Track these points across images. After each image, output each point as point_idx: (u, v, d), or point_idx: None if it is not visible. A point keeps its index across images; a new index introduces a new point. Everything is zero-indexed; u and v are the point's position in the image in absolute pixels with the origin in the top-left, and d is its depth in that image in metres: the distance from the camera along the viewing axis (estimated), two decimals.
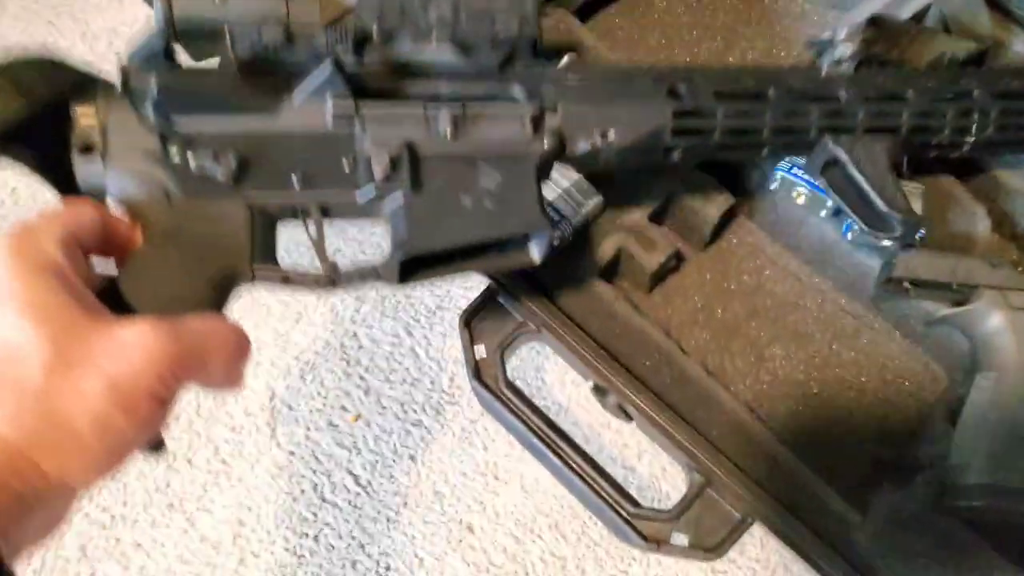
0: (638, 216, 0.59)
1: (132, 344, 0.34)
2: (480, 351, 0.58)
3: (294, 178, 0.45)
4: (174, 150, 0.44)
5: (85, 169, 0.44)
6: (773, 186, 0.61)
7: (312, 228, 0.46)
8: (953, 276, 0.55)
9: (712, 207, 0.58)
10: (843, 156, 0.52)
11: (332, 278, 0.45)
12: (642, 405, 0.53)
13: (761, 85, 0.52)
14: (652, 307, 0.59)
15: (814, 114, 0.52)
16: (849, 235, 0.60)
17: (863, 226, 0.53)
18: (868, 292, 0.59)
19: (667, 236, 0.59)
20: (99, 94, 0.44)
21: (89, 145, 0.44)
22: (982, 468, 0.50)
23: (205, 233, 0.43)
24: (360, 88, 0.47)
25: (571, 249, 0.58)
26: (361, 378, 0.73)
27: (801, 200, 0.60)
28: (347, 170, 0.46)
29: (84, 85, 0.44)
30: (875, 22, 0.56)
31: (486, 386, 0.56)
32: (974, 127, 0.55)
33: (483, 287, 0.58)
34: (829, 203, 0.59)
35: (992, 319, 0.54)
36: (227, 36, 0.44)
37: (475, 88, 0.49)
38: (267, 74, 0.46)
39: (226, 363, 0.38)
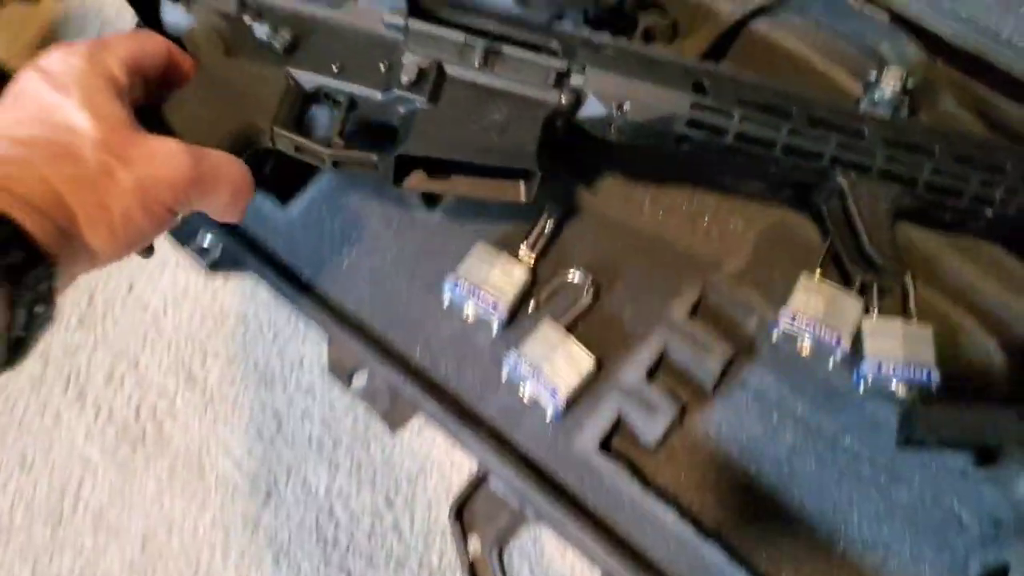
0: (634, 376, 0.54)
1: (162, 157, 0.41)
2: (474, 545, 0.56)
3: (334, 66, 0.51)
4: (247, 16, 0.51)
5: (171, 12, 0.51)
6: (775, 336, 0.54)
7: (336, 112, 0.52)
8: (979, 434, 0.51)
9: (712, 360, 0.54)
10: (846, 189, 0.53)
11: (336, 158, 0.51)
12: None
13: (786, 103, 0.54)
14: (656, 469, 0.55)
15: (831, 144, 0.53)
16: (862, 386, 0.53)
17: (847, 260, 0.53)
18: (883, 439, 0.54)
19: (668, 397, 0.54)
20: None
21: None
22: None
23: (245, 90, 0.50)
24: (418, 5, 0.53)
25: (565, 421, 0.54)
26: (341, 564, 0.63)
27: (806, 351, 0.54)
28: (382, 71, 0.51)
29: None
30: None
31: None
32: (997, 201, 0.54)
33: (471, 463, 0.57)
34: (838, 354, 0.53)
35: None
36: None
37: (519, 34, 0.53)
38: None
39: (232, 196, 0.46)
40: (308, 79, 0.51)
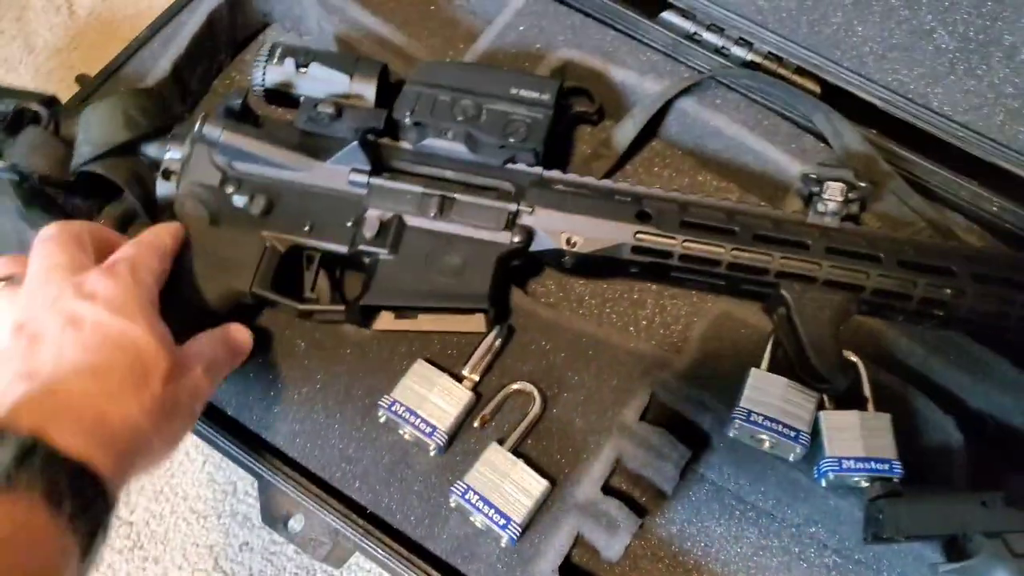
0: (589, 491, 0.54)
1: (198, 364, 0.48)
2: None
3: (305, 227, 0.57)
4: (228, 187, 0.57)
5: (163, 188, 0.58)
6: (732, 433, 0.55)
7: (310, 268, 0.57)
8: (945, 527, 0.52)
9: (669, 465, 0.55)
10: (790, 301, 0.56)
11: (309, 311, 0.56)
12: None
13: (729, 222, 0.57)
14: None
15: (775, 259, 0.56)
16: (824, 482, 0.54)
17: (797, 368, 0.56)
18: (849, 531, 0.55)
19: (626, 511, 0.54)
20: (187, 137, 0.58)
21: (170, 172, 0.58)
22: None
23: (227, 255, 0.56)
24: (380, 162, 0.58)
25: (522, 546, 0.53)
26: None
27: (766, 446, 0.54)
28: (348, 227, 0.57)
29: (172, 124, 0.59)
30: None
31: None
32: (946, 305, 0.56)
33: None
34: (798, 448, 0.53)
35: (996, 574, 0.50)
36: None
37: (474, 178, 0.58)
38: (314, 137, 0.58)
39: (242, 356, 0.53)
40: (282, 240, 0.57)
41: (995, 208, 0.64)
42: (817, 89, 0.67)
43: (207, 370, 0.48)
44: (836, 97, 0.67)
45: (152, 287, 0.48)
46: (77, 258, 0.47)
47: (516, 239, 0.57)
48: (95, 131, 0.56)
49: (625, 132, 0.67)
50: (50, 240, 0.47)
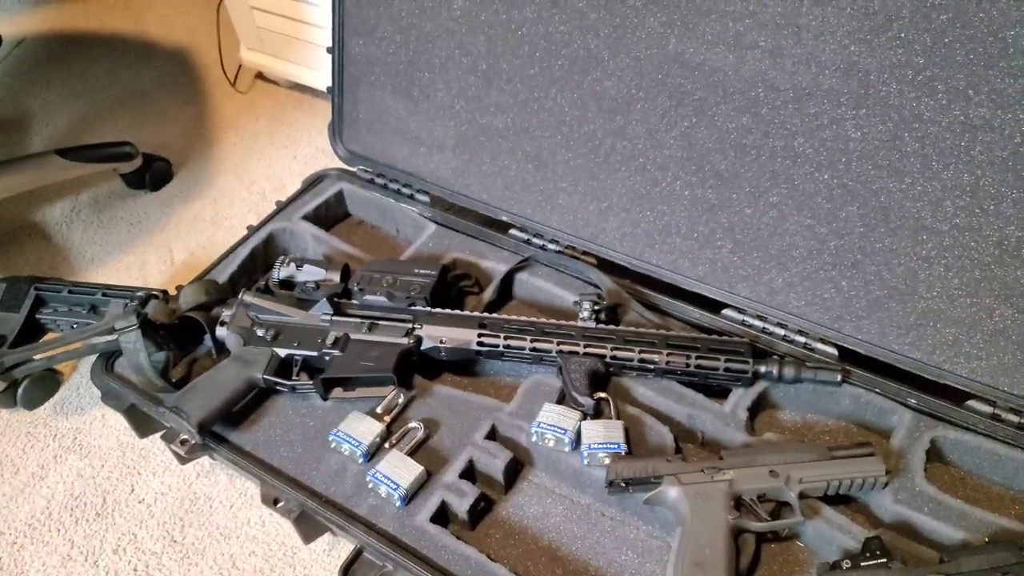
0: (450, 475, 0.93)
1: None
2: None
3: (295, 344, 1.04)
4: (255, 327, 1.05)
5: (219, 331, 1.07)
6: (533, 438, 0.94)
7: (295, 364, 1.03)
8: (646, 472, 0.90)
9: (499, 461, 0.93)
10: (563, 364, 0.99)
11: (294, 386, 1.01)
12: None
13: (531, 327, 1.03)
14: (476, 538, 0.91)
15: (554, 342, 1.01)
16: (585, 460, 0.92)
17: (570, 398, 0.97)
18: (606, 497, 0.93)
19: (473, 487, 0.91)
20: (235, 303, 1.08)
21: (224, 322, 1.07)
22: None
23: (250, 360, 1.02)
24: (339, 308, 1.07)
25: (409, 508, 0.91)
26: None
27: (551, 443, 0.94)
28: (319, 342, 1.04)
29: (227, 297, 1.09)
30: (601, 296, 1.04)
31: None
32: (655, 363, 0.99)
33: (355, 548, 0.89)
34: (567, 440, 0.93)
35: (671, 493, 0.88)
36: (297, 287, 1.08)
37: (390, 313, 1.06)
38: (303, 301, 1.07)
39: None
40: (281, 351, 1.03)
41: (696, 315, 1.09)
42: (594, 261, 1.16)
43: None
44: (608, 264, 1.15)
45: None
46: None
47: (410, 342, 1.03)
48: (189, 296, 1.07)
49: (488, 292, 1.16)
50: None
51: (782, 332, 1.04)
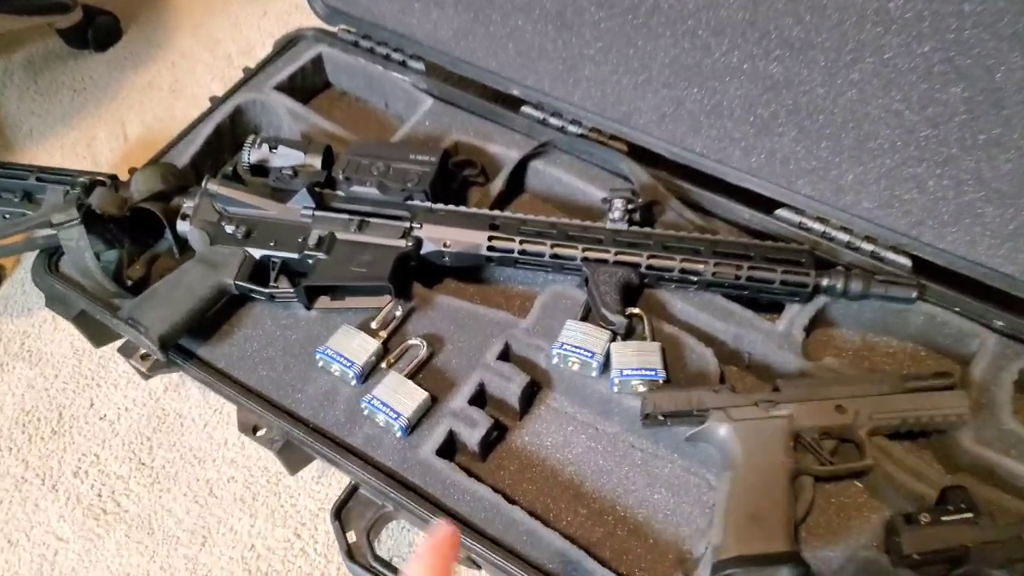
0: (459, 402, 0.81)
1: None
2: (351, 536, 0.75)
3: (271, 243, 0.88)
4: (223, 222, 0.89)
5: (180, 225, 0.90)
6: (554, 361, 0.82)
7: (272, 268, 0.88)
8: (689, 404, 0.77)
9: (514, 385, 0.80)
10: (589, 275, 0.84)
11: (272, 294, 0.86)
12: (483, 552, 0.72)
13: (551, 228, 0.87)
14: (487, 472, 0.80)
15: (579, 248, 0.85)
16: (615, 387, 0.80)
17: (598, 314, 0.83)
18: (639, 427, 0.80)
19: (484, 414, 0.79)
20: (198, 193, 0.90)
21: (185, 215, 0.90)
22: (730, 545, 0.70)
23: (219, 262, 0.86)
24: (322, 201, 0.90)
25: (411, 439, 0.79)
26: None
27: (576, 367, 0.81)
28: (299, 241, 0.88)
29: (188, 184, 0.92)
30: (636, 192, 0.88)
31: (359, 563, 0.74)
32: (698, 273, 0.84)
33: (348, 484, 0.78)
34: (595, 365, 0.80)
35: (720, 431, 0.76)
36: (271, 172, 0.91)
37: (383, 208, 0.90)
38: (279, 191, 0.90)
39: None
40: (256, 252, 0.88)
41: (746, 215, 0.94)
42: (624, 147, 0.99)
43: None
44: (641, 152, 0.98)
45: None
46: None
47: (409, 244, 0.87)
48: (142, 184, 0.89)
49: (496, 184, 0.99)
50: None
51: (846, 238, 0.89)
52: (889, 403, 0.76)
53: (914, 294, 0.83)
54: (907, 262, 0.87)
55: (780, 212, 0.92)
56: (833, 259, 0.90)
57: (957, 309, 0.84)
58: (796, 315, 0.86)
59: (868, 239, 0.89)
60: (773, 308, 0.88)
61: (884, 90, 0.79)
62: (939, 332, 0.86)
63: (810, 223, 0.91)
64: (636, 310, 0.86)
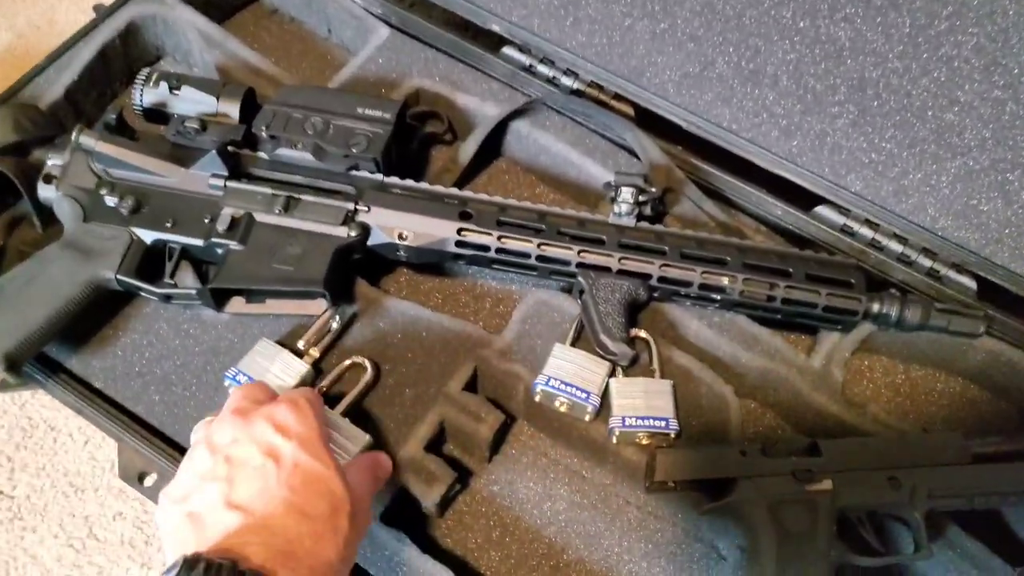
0: (413, 449, 0.62)
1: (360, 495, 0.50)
2: None
3: (167, 223, 0.66)
4: (103, 190, 0.66)
5: (44, 190, 0.67)
6: (537, 399, 0.64)
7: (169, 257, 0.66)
8: (711, 472, 0.61)
9: (484, 427, 0.63)
10: (587, 287, 0.66)
11: (167, 294, 0.64)
12: None
13: (539, 222, 0.67)
14: (444, 534, 0.65)
15: (573, 251, 0.66)
16: (614, 438, 0.63)
17: (595, 340, 0.65)
18: (639, 484, 0.64)
19: (444, 465, 0.62)
20: (67, 146, 0.67)
21: (50, 177, 0.67)
22: None
23: (95, 248, 0.64)
24: (238, 168, 0.67)
25: None
26: None
27: (565, 409, 0.64)
28: (205, 222, 0.66)
29: (57, 134, 0.68)
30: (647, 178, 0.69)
31: None
32: (723, 289, 0.66)
33: None
34: (589, 409, 0.63)
35: (748, 509, 0.59)
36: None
37: (319, 182, 0.68)
38: (181, 149, 0.67)
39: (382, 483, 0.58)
40: (147, 235, 0.66)
41: (779, 212, 0.75)
42: (631, 112, 0.78)
43: (368, 501, 0.52)
44: (651, 119, 0.78)
45: (323, 426, 0.51)
46: (265, 395, 0.53)
47: (353, 233, 0.66)
48: None
49: (467, 149, 0.78)
50: (241, 387, 0.54)
51: (899, 248, 0.72)
52: (953, 476, 0.61)
53: (981, 328, 0.68)
54: (972, 284, 0.71)
55: (820, 210, 0.74)
56: (880, 273, 0.73)
57: None
58: (835, 348, 0.69)
59: (927, 252, 0.72)
60: (804, 327, 0.72)
61: (985, 72, 0.60)
62: (1000, 372, 0.71)
63: (856, 227, 0.73)
64: (641, 333, 0.67)
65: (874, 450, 0.61)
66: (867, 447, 0.62)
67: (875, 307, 0.67)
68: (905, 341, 0.71)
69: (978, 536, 0.62)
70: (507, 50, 0.82)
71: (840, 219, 0.74)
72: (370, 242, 0.67)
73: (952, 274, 0.71)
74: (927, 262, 0.72)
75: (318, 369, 0.66)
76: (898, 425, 0.67)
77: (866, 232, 0.73)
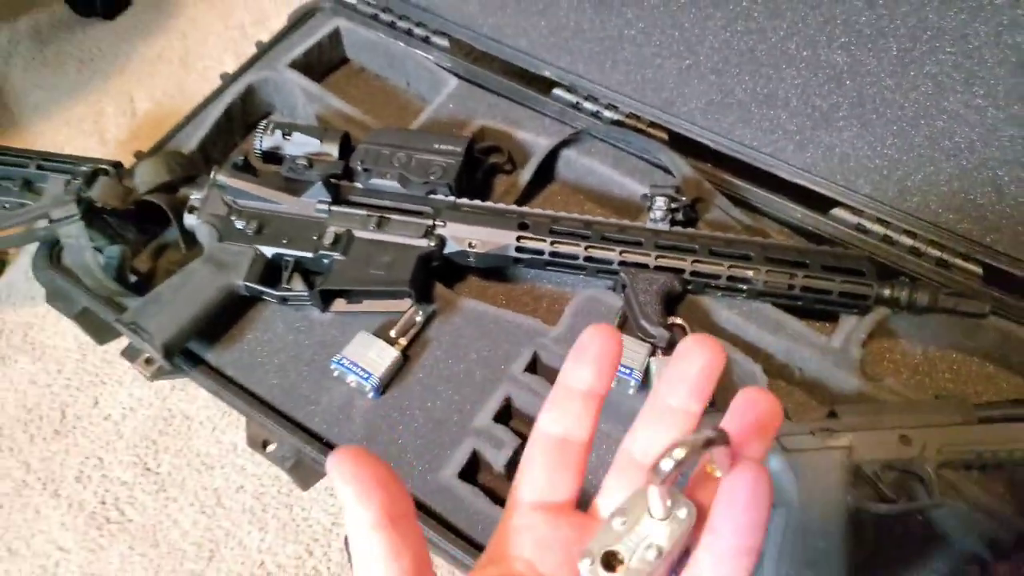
0: (485, 419, 0.73)
1: None
2: None
3: (284, 240, 0.81)
4: (233, 216, 0.82)
5: (188, 219, 0.83)
6: None
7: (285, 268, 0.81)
8: None
9: (542, 401, 0.75)
10: (628, 282, 0.77)
11: (284, 296, 0.79)
12: None
13: (585, 228, 0.79)
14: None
15: (616, 251, 0.78)
16: None
17: (636, 325, 0.76)
18: None
19: (511, 432, 0.73)
20: (206, 184, 0.83)
21: (193, 208, 0.83)
22: None
23: (228, 261, 0.80)
24: (338, 195, 0.82)
25: (431, 459, 0.73)
26: None
27: (611, 384, 0.76)
28: (314, 239, 0.81)
29: (198, 175, 0.85)
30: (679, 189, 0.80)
31: None
32: (748, 280, 0.76)
33: None
34: (632, 383, 0.73)
35: (772, 462, 0.67)
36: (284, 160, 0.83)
37: (404, 204, 0.82)
38: (293, 182, 0.83)
39: None
40: (267, 250, 0.81)
41: (799, 215, 0.85)
42: (664, 136, 0.90)
43: None
44: (683, 142, 0.90)
45: None
46: None
47: (432, 244, 0.80)
48: (147, 175, 0.82)
49: (525, 175, 0.91)
50: None
51: (910, 242, 0.81)
52: (960, 435, 0.68)
53: (987, 308, 0.75)
54: (978, 270, 0.79)
55: (836, 212, 0.84)
56: (894, 265, 0.82)
57: None
58: (853, 329, 0.78)
59: (935, 244, 0.80)
60: (826, 316, 0.81)
61: (965, 84, 0.70)
62: (1013, 350, 0.78)
63: (870, 225, 0.83)
64: (678, 320, 0.78)
65: (887, 413, 0.70)
66: (881, 410, 0.70)
67: (886, 292, 0.76)
68: (920, 324, 0.79)
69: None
70: (557, 91, 0.96)
71: (854, 219, 0.83)
72: (446, 251, 0.81)
73: (959, 262, 0.79)
74: (936, 253, 0.80)
75: (406, 355, 0.79)
76: (913, 395, 0.75)
77: (878, 229, 0.82)
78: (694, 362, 0.33)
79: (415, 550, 0.31)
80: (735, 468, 0.28)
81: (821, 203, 0.84)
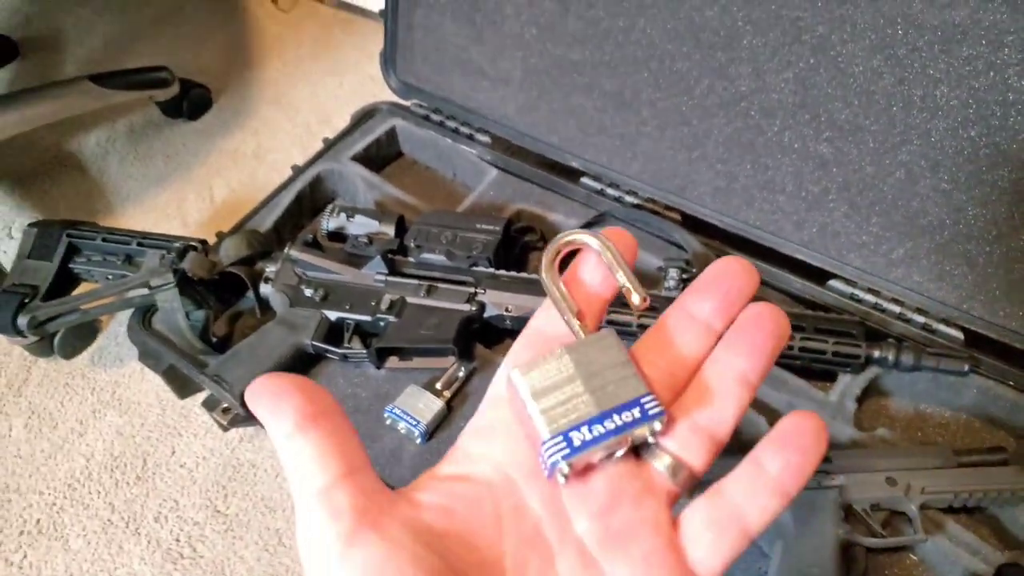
0: None
1: None
2: None
3: (347, 306, 0.94)
4: (302, 285, 0.96)
5: (264, 288, 0.97)
6: None
7: (347, 329, 0.93)
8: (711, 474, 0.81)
9: None
10: None
11: (345, 354, 0.91)
12: None
13: None
14: None
15: (634, 315, 0.89)
16: None
17: None
18: None
19: None
20: (280, 258, 0.98)
21: (268, 279, 0.97)
22: None
23: (298, 324, 0.92)
24: (394, 267, 0.96)
25: None
26: None
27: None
28: (372, 305, 0.93)
29: (271, 250, 0.99)
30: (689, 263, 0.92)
31: None
32: None
33: None
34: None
35: None
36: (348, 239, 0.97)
37: (451, 274, 0.95)
38: (355, 257, 0.97)
39: None
40: (332, 314, 0.94)
41: (798, 285, 0.96)
42: (678, 217, 1.03)
43: None
44: (694, 222, 1.02)
45: None
46: None
47: (473, 308, 0.92)
48: (230, 249, 0.97)
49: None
50: None
51: (898, 309, 0.91)
52: (941, 477, 0.76)
53: (966, 367, 0.84)
54: (959, 335, 0.88)
55: (832, 283, 0.94)
56: (885, 330, 0.91)
57: (1011, 383, 0.85)
58: (848, 386, 0.87)
59: (920, 311, 0.90)
60: (826, 376, 0.90)
61: (932, 171, 0.82)
62: (993, 404, 0.86)
63: (862, 294, 0.93)
64: None
65: (875, 457, 0.78)
66: (870, 455, 0.79)
67: (875, 352, 0.86)
68: (910, 382, 0.88)
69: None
70: (584, 180, 1.09)
71: (848, 289, 0.93)
72: (486, 315, 0.93)
73: (942, 327, 0.89)
74: (921, 319, 0.90)
75: (449, 406, 0.90)
76: (901, 443, 0.83)
77: (870, 298, 0.92)
78: (728, 280, 0.34)
79: (345, 448, 0.29)
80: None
81: (818, 275, 0.95)
